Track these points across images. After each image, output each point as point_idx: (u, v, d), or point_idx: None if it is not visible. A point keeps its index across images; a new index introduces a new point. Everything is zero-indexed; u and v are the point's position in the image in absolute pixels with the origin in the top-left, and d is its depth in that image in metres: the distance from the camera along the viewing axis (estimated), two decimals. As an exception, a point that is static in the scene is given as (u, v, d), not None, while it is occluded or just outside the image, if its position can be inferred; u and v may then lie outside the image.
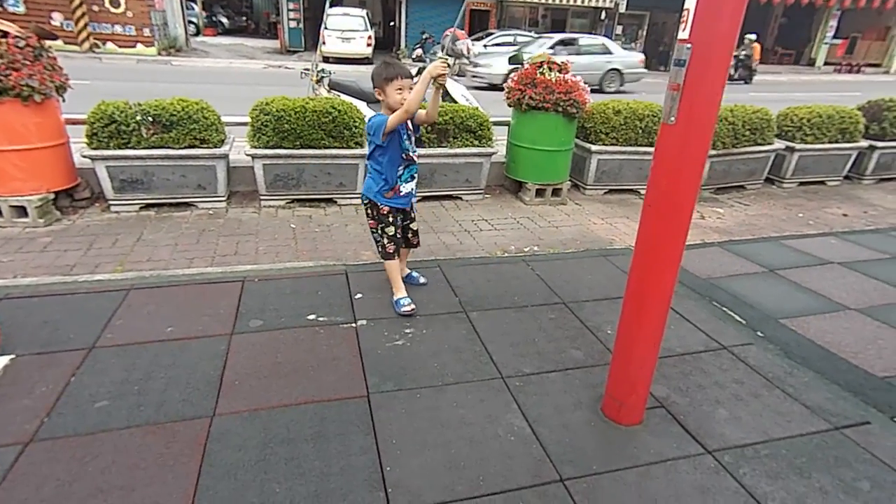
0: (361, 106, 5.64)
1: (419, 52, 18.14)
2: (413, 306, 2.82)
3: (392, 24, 21.55)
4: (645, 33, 22.58)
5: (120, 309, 2.68)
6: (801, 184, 6.06)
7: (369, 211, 2.80)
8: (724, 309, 3.09)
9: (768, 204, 5.47)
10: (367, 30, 17.89)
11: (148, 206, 4.21)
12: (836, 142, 5.83)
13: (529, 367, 2.42)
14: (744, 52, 18.11)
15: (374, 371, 2.33)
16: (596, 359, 2.51)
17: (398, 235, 2.83)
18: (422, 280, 3.16)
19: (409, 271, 3.19)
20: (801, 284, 3.46)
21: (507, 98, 4.97)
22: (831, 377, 2.47)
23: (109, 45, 15.41)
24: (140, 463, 1.77)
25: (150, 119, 3.98)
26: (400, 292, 2.88)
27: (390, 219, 2.76)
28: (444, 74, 2.44)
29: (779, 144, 5.74)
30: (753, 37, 18.08)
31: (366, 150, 4.54)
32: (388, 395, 2.18)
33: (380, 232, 2.79)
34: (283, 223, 4.18)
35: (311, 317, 2.72)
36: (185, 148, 4.07)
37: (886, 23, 23.82)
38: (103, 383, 2.13)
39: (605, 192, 5.45)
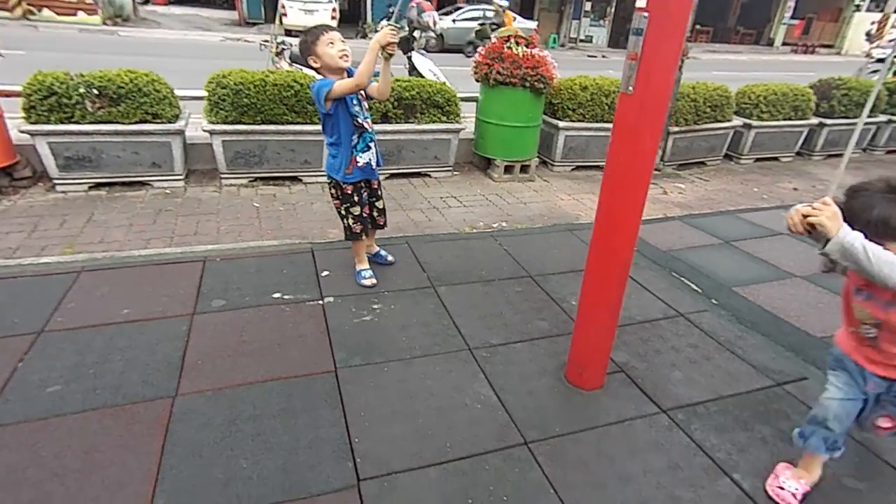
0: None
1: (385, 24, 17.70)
2: (374, 280, 2.81)
3: (356, -4, 20.95)
4: (613, 10, 22.64)
5: (71, 292, 2.57)
6: (757, 160, 6.27)
7: (333, 191, 2.68)
8: (682, 279, 3.20)
9: (727, 179, 5.64)
10: (330, 2, 17.32)
11: (98, 186, 4.02)
12: (790, 119, 6.04)
13: (496, 339, 2.45)
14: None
15: (342, 346, 2.32)
16: (561, 328, 2.56)
17: (363, 215, 2.72)
18: (390, 258, 3.12)
19: (377, 249, 3.13)
20: (753, 255, 3.61)
21: (475, 73, 4.92)
22: (777, 339, 2.62)
23: (46, 13, 14.36)
24: (98, 446, 1.72)
25: (96, 91, 3.77)
26: (362, 264, 2.85)
27: (355, 198, 2.66)
28: (392, 44, 2.23)
29: (737, 121, 5.91)
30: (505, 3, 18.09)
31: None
32: (356, 370, 2.18)
33: (344, 211, 2.69)
34: (245, 202, 4.06)
35: (277, 295, 2.67)
36: (137, 123, 3.89)
37: (839, 4, 24.63)
38: (55, 368, 2.05)
39: (573, 169, 5.51)
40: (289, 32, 17.06)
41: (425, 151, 4.89)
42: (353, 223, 2.70)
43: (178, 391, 1.98)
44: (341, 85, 2.26)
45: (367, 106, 2.55)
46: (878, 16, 8.50)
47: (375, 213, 2.86)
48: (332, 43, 2.30)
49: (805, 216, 1.29)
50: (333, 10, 17.30)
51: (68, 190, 3.94)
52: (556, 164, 5.40)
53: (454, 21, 16.93)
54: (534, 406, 2.05)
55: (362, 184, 2.69)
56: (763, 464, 1.83)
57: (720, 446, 1.90)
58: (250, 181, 4.44)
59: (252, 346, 2.26)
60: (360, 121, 2.49)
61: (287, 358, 2.21)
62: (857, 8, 21.19)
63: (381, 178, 4.66)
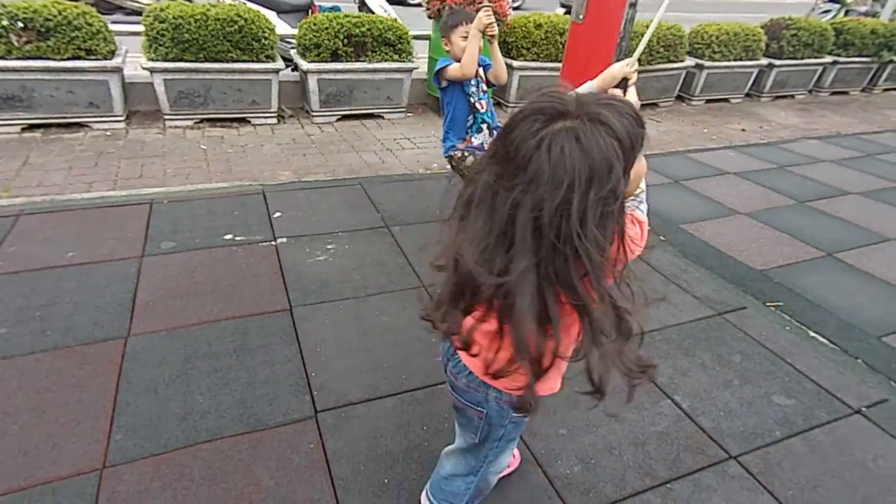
0: (271, 16, 5.19)
1: None
2: None
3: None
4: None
5: (10, 236, 2.47)
6: (708, 101, 6.39)
7: (453, 166, 2.63)
8: (631, 216, 3.33)
9: (678, 121, 5.75)
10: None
11: (31, 128, 3.77)
12: (741, 59, 6.13)
13: (450, 276, 2.52)
14: None
15: (297, 286, 2.34)
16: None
17: None
18: None
19: None
20: (700, 193, 3.77)
21: (427, 9, 4.75)
22: (719, 272, 2.78)
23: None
24: (50, 386, 1.72)
25: (21, 24, 3.47)
26: None
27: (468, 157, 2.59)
28: (492, 24, 2.26)
29: (689, 62, 5.95)
30: None
31: (278, 65, 4.29)
32: (312, 308, 2.22)
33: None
34: (192, 144, 3.91)
35: (228, 236, 2.64)
36: (69, 59, 3.62)
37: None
38: (-1, 312, 2.01)
39: (524, 110, 5.48)
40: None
41: (377, 92, 4.76)
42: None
43: (131, 331, 1.98)
44: (452, 70, 2.34)
45: (484, 88, 2.52)
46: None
47: None
48: (465, 37, 2.33)
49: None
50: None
51: (-2, 132, 3.69)
52: (510, 104, 5.37)
53: None
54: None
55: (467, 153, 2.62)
56: (702, 385, 2.00)
57: (663, 371, 2.06)
58: (196, 123, 4.24)
59: (205, 287, 2.26)
60: (473, 101, 2.49)
61: (241, 298, 2.22)
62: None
63: (333, 119, 4.54)
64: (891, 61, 7.00)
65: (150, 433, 1.61)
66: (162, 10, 3.80)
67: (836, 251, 3.08)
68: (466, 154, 2.54)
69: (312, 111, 4.60)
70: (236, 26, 3.99)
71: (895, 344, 2.32)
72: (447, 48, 2.42)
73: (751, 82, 6.46)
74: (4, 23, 3.43)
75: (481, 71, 2.48)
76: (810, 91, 6.97)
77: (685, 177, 4.04)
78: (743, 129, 5.57)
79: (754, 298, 2.57)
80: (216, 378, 1.82)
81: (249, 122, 4.43)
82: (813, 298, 2.60)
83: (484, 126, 2.55)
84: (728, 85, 6.33)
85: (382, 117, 4.89)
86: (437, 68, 2.40)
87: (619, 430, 1.78)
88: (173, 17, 3.77)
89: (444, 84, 2.43)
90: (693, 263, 2.84)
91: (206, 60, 4.00)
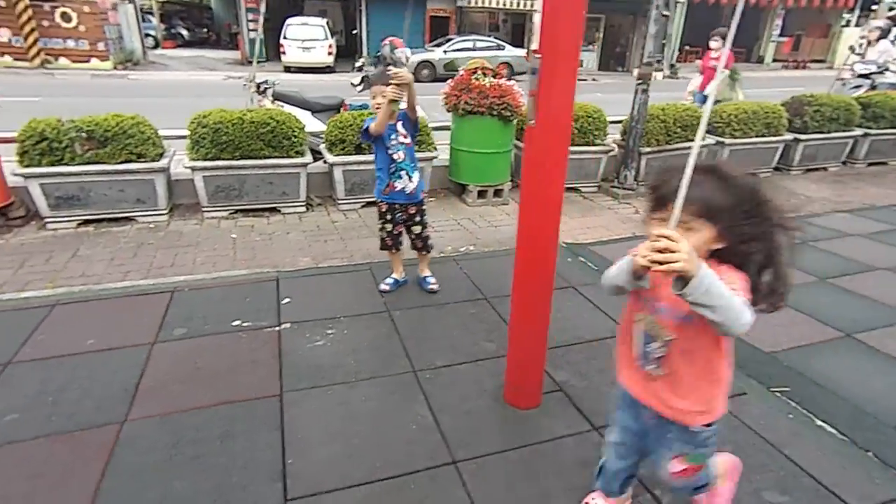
0: (306, 116, 5.74)
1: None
2: (387, 287, 3.23)
3: (354, 31, 21.59)
4: (602, 35, 23.11)
5: (43, 324, 2.72)
6: (736, 176, 6.34)
7: (378, 208, 3.15)
8: (639, 297, 3.27)
9: (703, 197, 5.71)
10: (327, 38, 17.91)
11: (86, 223, 4.22)
12: (763, 136, 6.14)
13: (442, 360, 2.55)
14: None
15: (291, 371, 2.43)
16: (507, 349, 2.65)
17: (394, 232, 3.14)
18: (431, 286, 3.25)
19: (425, 273, 3.33)
20: (714, 271, 3.67)
21: (445, 103, 5.11)
22: (724, 355, 2.65)
23: (62, 61, 15.10)
24: (44, 471, 1.83)
25: (84, 135, 4.00)
26: (394, 272, 3.30)
27: (388, 216, 3.10)
28: (398, 97, 2.69)
29: (709, 139, 6.02)
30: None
31: (306, 160, 4.68)
32: (302, 393, 2.28)
33: (379, 226, 3.16)
34: (224, 233, 4.23)
35: (236, 322, 2.80)
36: (122, 163, 4.10)
37: (828, 20, 24.89)
38: (16, 397, 2.18)
39: (548, 192, 5.62)
40: (287, 69, 17.65)
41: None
42: (385, 237, 3.17)
43: (128, 417, 2.10)
44: (371, 127, 2.81)
45: (402, 140, 2.93)
46: (864, 31, 8.64)
47: (413, 237, 3.20)
48: (374, 96, 2.85)
49: (659, 263, 1.06)
50: (330, 46, 17.88)
51: (58, 227, 4.14)
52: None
53: (445, 52, 17.45)
54: (468, 426, 2.13)
55: (398, 206, 3.08)
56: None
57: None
58: (231, 213, 4.62)
59: (205, 373, 2.38)
60: (391, 152, 2.93)
61: (236, 383, 2.32)
62: (847, 24, 21.43)
63: (357, 206, 4.83)
64: (925, 131, 6.81)
65: (125, 520, 1.66)
66: (204, 116, 4.30)
67: (856, 332, 2.89)
68: (383, 208, 3.09)
69: (338, 199, 4.92)
70: (269, 127, 4.43)
71: None
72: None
73: (777, 156, 6.41)
74: (72, 134, 3.98)
75: (400, 126, 2.88)
76: (844, 163, 6.81)
77: (701, 255, 3.96)
78: (769, 204, 5.46)
79: (758, 383, 2.44)
80: (197, 464, 1.88)
81: (280, 211, 4.77)
82: (824, 383, 2.43)
83: (403, 173, 2.96)
84: (754, 159, 6.29)
85: (404, 203, 5.14)
86: (363, 127, 2.89)
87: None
88: (213, 123, 4.25)
89: (367, 140, 2.92)
90: None
91: (242, 158, 4.42)
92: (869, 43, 8.20)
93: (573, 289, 3.32)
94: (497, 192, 5.21)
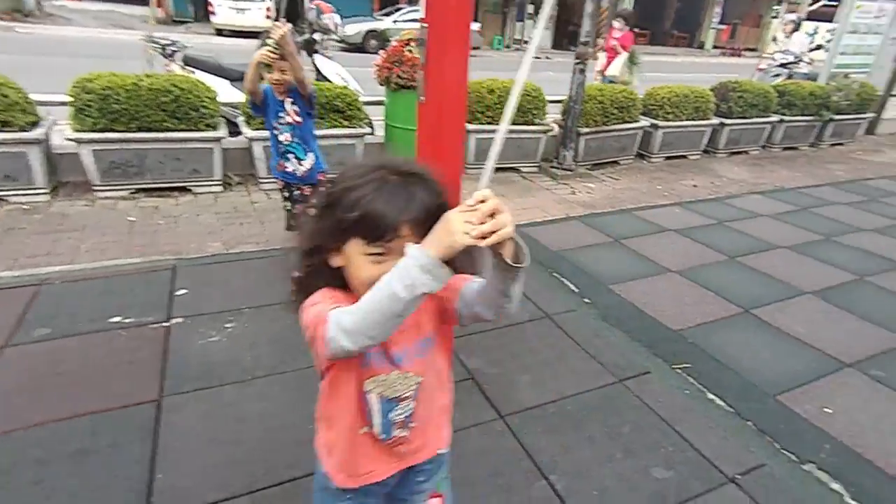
0: (224, 84, 5.24)
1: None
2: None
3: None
4: (556, 13, 23.07)
5: None
6: (667, 158, 6.46)
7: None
8: (563, 279, 3.20)
9: (636, 178, 5.77)
10: (264, 0, 16.65)
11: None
12: (693, 119, 6.26)
13: (350, 354, 2.34)
14: None
15: (176, 372, 2.15)
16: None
17: (292, 212, 3.04)
18: None
19: None
20: (637, 251, 3.69)
21: (377, 76, 4.83)
22: (636, 335, 2.67)
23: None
24: None
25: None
26: None
27: (285, 193, 3.01)
28: (269, 65, 2.53)
29: (644, 122, 6.06)
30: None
31: (219, 133, 4.26)
32: (185, 397, 2.03)
33: (283, 206, 3.08)
34: (120, 216, 3.79)
35: (116, 319, 2.47)
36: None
37: (759, 11, 26.11)
38: None
39: (486, 172, 5.47)
40: (220, 32, 16.35)
41: (328, 157, 4.64)
42: (287, 217, 3.08)
43: (-39, 436, 1.76)
44: (245, 84, 2.66)
45: (290, 120, 2.75)
46: (780, 23, 9.03)
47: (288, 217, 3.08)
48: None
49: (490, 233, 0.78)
50: (268, 9, 16.65)
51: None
52: (468, 166, 5.36)
53: (395, 21, 16.75)
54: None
55: (293, 185, 2.97)
56: (583, 462, 1.85)
57: (546, 449, 1.90)
58: (131, 193, 4.15)
59: (67, 379, 2.06)
60: (277, 133, 2.79)
61: (105, 390, 2.02)
62: (776, 15, 22.63)
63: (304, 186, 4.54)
64: (831, 119, 7.23)
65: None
66: (89, 80, 3.79)
67: (753, 307, 3.02)
68: (280, 185, 3.02)
69: (259, 178, 4.55)
70: (171, 96, 3.98)
71: (788, 402, 2.25)
72: None
73: (706, 140, 6.57)
74: None
75: (289, 104, 2.70)
76: (763, 147, 7.10)
77: (626, 235, 3.96)
78: (695, 185, 5.58)
79: (662, 361, 2.47)
80: (37, 490, 1.60)
81: (191, 191, 4.35)
82: (721, 358, 2.52)
83: (290, 156, 2.84)
84: (684, 142, 6.43)
85: (333, 182, 4.85)
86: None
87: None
88: (101, 89, 3.75)
89: (261, 111, 2.78)
90: (611, 327, 2.73)
91: (140, 130, 3.96)
92: (788, 35, 8.56)
93: (497, 273, 3.19)
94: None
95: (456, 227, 0.77)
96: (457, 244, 0.76)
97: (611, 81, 6.33)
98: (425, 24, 1.49)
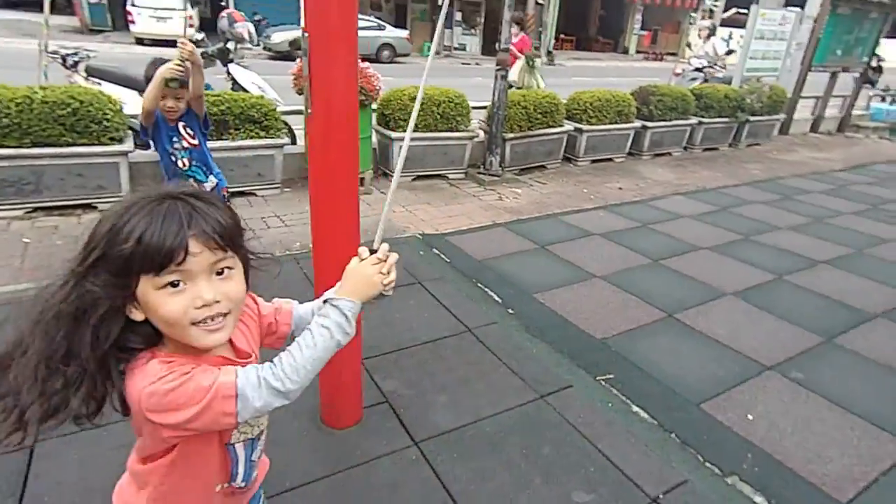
0: (131, 95, 4.95)
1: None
2: None
3: (222, 2, 19.70)
4: (483, 20, 23.42)
5: None
6: (593, 161, 6.64)
7: None
8: (486, 289, 3.19)
9: (562, 181, 5.89)
10: (186, 8, 15.98)
11: None
12: (616, 123, 6.47)
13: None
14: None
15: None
16: (336, 359, 2.40)
17: None
18: None
19: None
20: (562, 257, 3.72)
21: (294, 85, 4.69)
22: (559, 346, 2.65)
23: None
24: None
25: None
26: None
27: None
28: (175, 79, 2.39)
29: (569, 126, 6.21)
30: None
31: (125, 147, 4.01)
32: (65, 440, 1.85)
33: None
34: (12, 238, 3.48)
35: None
36: None
37: (678, 18, 27.58)
38: None
39: (413, 179, 5.45)
40: (140, 41, 15.52)
41: (246, 169, 4.56)
42: None
43: None
44: (144, 103, 2.46)
45: (186, 145, 2.60)
46: (695, 30, 9.56)
47: None
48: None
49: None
50: (190, 17, 15.97)
51: None
52: (390, 172, 5.32)
53: None
54: (274, 458, 1.85)
55: None
56: (500, 490, 1.78)
57: (461, 476, 1.83)
58: (27, 212, 3.83)
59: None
60: (174, 159, 2.62)
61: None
62: (693, 22, 23.94)
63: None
64: (746, 121, 7.68)
65: None
66: (-26, 94, 3.47)
67: (676, 311, 3.05)
68: None
69: (173, 192, 4.31)
70: (69, 109, 3.71)
71: (711, 411, 2.24)
72: None
73: (630, 142, 6.80)
74: None
75: (182, 128, 2.57)
76: (685, 148, 7.45)
77: (551, 241, 4.01)
78: (620, 188, 5.76)
79: (585, 372, 2.44)
80: None
81: (96, 208, 4.06)
82: (645, 366, 2.51)
83: (191, 180, 2.67)
84: (609, 146, 6.64)
85: (254, 194, 4.68)
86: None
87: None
88: (-12, 102, 3.45)
89: (151, 137, 2.59)
90: (534, 338, 2.70)
91: (34, 145, 3.66)
92: (704, 41, 9.05)
93: (419, 285, 3.15)
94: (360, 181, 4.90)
95: (376, 280, 0.91)
96: (374, 294, 0.91)
97: (510, 87, 6.42)
98: (306, 34, 1.43)
